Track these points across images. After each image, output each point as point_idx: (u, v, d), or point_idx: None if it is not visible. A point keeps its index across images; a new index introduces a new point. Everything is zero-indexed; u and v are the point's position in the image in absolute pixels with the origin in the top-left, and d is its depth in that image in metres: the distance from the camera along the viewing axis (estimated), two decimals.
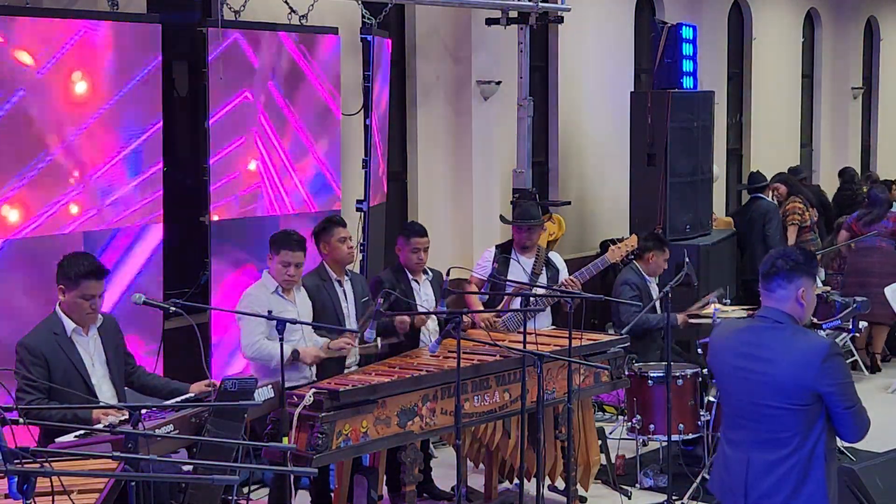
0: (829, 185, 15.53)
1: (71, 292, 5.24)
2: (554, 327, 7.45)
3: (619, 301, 7.63)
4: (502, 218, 7.93)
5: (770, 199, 11.28)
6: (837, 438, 4.33)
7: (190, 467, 4.65)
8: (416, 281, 6.97)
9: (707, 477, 7.01)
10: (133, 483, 3.84)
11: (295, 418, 5.37)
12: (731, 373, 4.40)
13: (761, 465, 4.27)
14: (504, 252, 7.44)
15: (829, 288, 8.98)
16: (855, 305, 7.49)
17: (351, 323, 6.54)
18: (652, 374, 7.19)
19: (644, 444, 7.46)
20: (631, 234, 10.17)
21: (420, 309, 6.77)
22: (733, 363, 4.37)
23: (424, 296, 6.95)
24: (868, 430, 4.30)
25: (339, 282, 6.64)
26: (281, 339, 5.39)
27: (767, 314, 4.32)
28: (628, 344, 7.08)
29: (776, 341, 4.25)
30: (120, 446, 4.33)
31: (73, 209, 6.29)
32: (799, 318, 4.30)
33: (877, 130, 17.68)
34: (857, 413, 4.22)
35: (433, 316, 6.82)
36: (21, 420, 3.78)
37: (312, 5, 7.72)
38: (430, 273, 7.06)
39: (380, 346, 6.44)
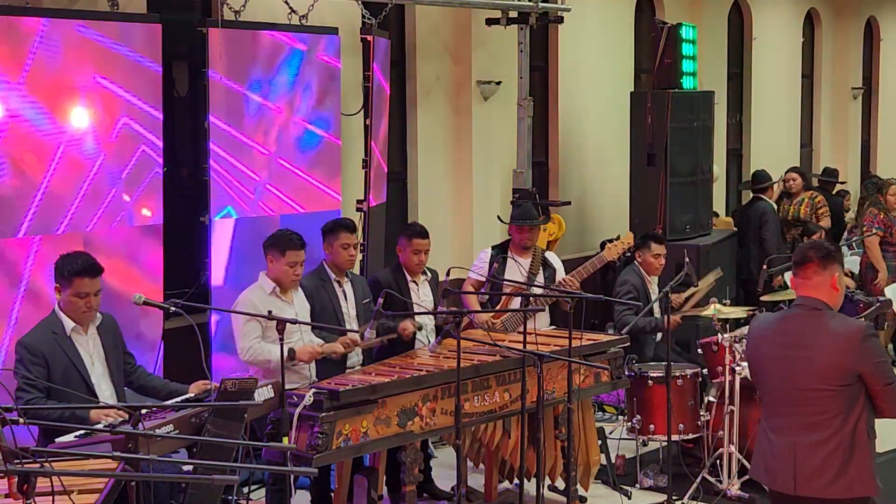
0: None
1: (66, 291, 5.27)
2: (553, 327, 7.45)
3: (617, 301, 7.62)
4: (500, 219, 7.91)
5: (770, 199, 11.26)
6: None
7: (190, 467, 4.64)
8: (415, 282, 6.97)
9: (707, 477, 7.03)
10: (133, 483, 3.84)
11: (295, 418, 5.37)
12: (773, 363, 4.60)
13: (807, 447, 4.48)
14: (501, 252, 7.44)
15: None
16: (878, 304, 7.61)
17: (351, 324, 6.54)
18: (652, 374, 7.19)
19: (644, 444, 7.46)
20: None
21: (417, 310, 6.78)
22: (776, 353, 4.58)
23: (423, 296, 6.95)
24: None
25: (339, 282, 6.65)
26: (281, 340, 5.39)
27: (805, 302, 4.56)
28: (628, 344, 7.08)
29: (817, 327, 4.49)
30: (120, 446, 4.34)
31: (74, 209, 6.28)
32: (834, 304, 4.55)
33: (877, 130, 17.67)
34: None
35: (431, 315, 6.82)
36: (21, 420, 3.77)
37: (312, 5, 7.72)
38: (428, 273, 7.06)
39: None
